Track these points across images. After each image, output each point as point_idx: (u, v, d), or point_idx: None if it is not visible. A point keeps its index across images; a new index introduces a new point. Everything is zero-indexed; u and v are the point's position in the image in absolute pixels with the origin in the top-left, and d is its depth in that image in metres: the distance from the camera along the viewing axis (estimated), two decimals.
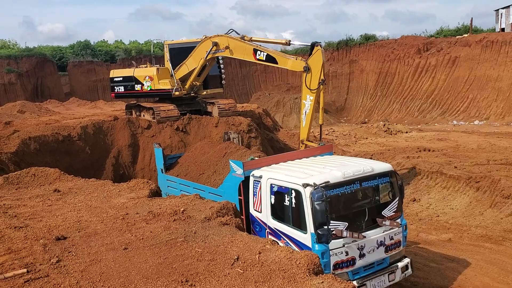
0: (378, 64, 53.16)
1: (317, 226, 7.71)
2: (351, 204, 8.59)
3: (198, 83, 20.39)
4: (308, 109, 15.91)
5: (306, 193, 7.87)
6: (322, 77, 15.55)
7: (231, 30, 18.18)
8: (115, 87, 21.70)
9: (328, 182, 7.91)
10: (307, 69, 15.48)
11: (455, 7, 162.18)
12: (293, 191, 8.22)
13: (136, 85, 20.71)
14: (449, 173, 17.26)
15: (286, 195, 8.42)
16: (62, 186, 10.19)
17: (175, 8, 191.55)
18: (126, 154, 18.56)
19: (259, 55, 16.85)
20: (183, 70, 19.81)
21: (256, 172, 9.41)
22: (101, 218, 7.59)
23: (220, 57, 21.13)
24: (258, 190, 9.19)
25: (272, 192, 8.81)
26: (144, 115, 20.36)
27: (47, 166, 12.48)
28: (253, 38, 17.50)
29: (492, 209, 14.68)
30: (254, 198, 9.34)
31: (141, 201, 8.62)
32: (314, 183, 7.82)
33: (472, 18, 60.68)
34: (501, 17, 47.64)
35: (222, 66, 21.36)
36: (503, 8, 47.40)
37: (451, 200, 16.17)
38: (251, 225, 9.59)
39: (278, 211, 8.77)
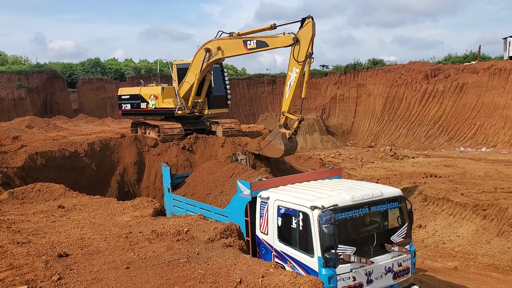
0: (385, 89, 53.27)
1: (324, 249, 7.53)
2: (359, 229, 8.39)
3: (200, 100, 20.50)
4: (292, 81, 16.35)
5: (314, 216, 7.70)
6: (310, 50, 15.81)
7: (221, 32, 18.38)
8: (122, 105, 22.17)
9: (337, 205, 7.78)
10: (296, 41, 15.72)
11: (463, 34, 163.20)
12: (300, 214, 8.05)
13: (142, 103, 21.10)
14: (455, 200, 17.09)
15: (293, 218, 8.25)
16: (67, 202, 10.17)
17: (185, 29, 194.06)
18: (132, 172, 18.55)
19: (250, 44, 17.11)
20: (184, 87, 20.02)
21: (264, 193, 9.26)
22: (104, 236, 7.54)
23: (226, 78, 21.33)
24: (265, 211, 9.02)
25: (279, 214, 8.65)
26: (149, 133, 20.47)
27: (53, 181, 12.50)
28: (240, 33, 17.73)
29: (499, 238, 14.48)
30: (261, 219, 9.16)
31: (144, 220, 8.57)
32: (322, 206, 7.67)
33: (480, 45, 60.89)
34: (509, 45, 47.77)
35: (228, 86, 21.50)
36: (511, 37, 47.59)
37: (458, 228, 15.97)
38: (257, 248, 9.40)
39: (285, 234, 8.57)
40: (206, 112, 21.04)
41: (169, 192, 14.33)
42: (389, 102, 52.32)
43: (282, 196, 8.84)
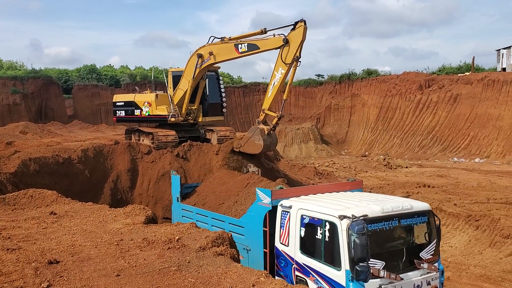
0: (379, 99, 53.56)
1: (355, 261, 7.07)
2: (388, 242, 7.94)
3: (195, 108, 20.51)
4: (276, 81, 16.53)
5: (342, 226, 7.30)
6: (298, 54, 15.99)
7: (213, 37, 18.51)
8: (117, 111, 22.28)
9: (367, 215, 7.36)
10: (286, 42, 15.97)
11: (457, 46, 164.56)
12: (327, 224, 7.61)
13: (136, 110, 21.18)
14: (448, 210, 17.16)
15: (318, 228, 7.80)
16: (59, 209, 10.14)
17: (181, 37, 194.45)
18: (125, 179, 18.51)
19: (241, 48, 17.32)
20: (178, 94, 20.07)
21: (285, 202, 8.81)
22: (95, 243, 7.52)
23: (222, 85, 21.36)
24: (286, 221, 8.55)
25: (302, 224, 8.20)
26: (143, 140, 20.46)
27: (46, 187, 12.45)
28: (231, 37, 17.90)
29: (491, 249, 14.54)
30: (281, 230, 8.70)
31: (136, 228, 8.55)
32: (353, 215, 7.28)
33: (474, 57, 61.45)
34: (502, 57, 48.26)
35: (224, 94, 21.55)
36: (504, 49, 48.08)
37: (450, 238, 16.02)
38: (275, 260, 8.93)
39: (308, 245, 8.12)
40: (200, 119, 21.05)
41: (178, 201, 13.90)
42: (383, 112, 52.59)
43: (306, 205, 8.40)
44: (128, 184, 18.49)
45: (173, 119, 19.88)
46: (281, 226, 8.74)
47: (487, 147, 41.52)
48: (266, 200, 9.19)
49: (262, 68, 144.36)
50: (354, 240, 7.06)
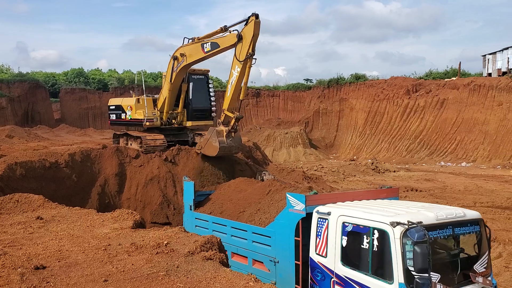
0: (367, 103, 53.93)
1: (416, 272, 6.37)
2: (442, 253, 7.26)
3: (178, 112, 20.31)
4: (234, 80, 15.92)
5: (395, 234, 6.59)
6: (250, 50, 15.33)
7: (186, 39, 18.23)
8: (110, 115, 22.43)
9: (421, 222, 6.63)
10: (239, 38, 15.42)
11: (444, 51, 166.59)
12: (375, 231, 6.89)
13: (122, 114, 21.35)
14: None
15: (364, 236, 7.07)
16: (46, 213, 10.02)
17: (169, 40, 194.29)
18: (113, 183, 18.35)
19: (206, 47, 17.04)
20: (161, 99, 20.02)
21: (322, 209, 8.04)
22: (83, 248, 7.44)
23: (211, 90, 21.24)
24: (324, 229, 7.82)
25: (344, 233, 7.47)
26: (131, 144, 20.36)
27: (32, 192, 12.29)
28: (199, 37, 17.65)
29: None
30: (318, 239, 7.95)
31: (124, 232, 8.49)
32: (409, 222, 6.57)
33: (460, 62, 62.14)
34: (488, 63, 48.89)
35: (213, 98, 21.44)
36: (490, 54, 48.71)
37: None
38: (309, 273, 8.20)
39: (351, 256, 7.39)
40: (188, 124, 20.95)
41: (191, 210, 12.86)
42: (371, 116, 52.95)
43: (348, 211, 7.68)
44: (116, 188, 18.33)
45: (147, 124, 19.78)
46: (317, 235, 7.99)
47: (474, 151, 42.01)
48: (299, 206, 8.36)
49: (251, 72, 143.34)
50: (414, 249, 6.35)
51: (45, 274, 6.26)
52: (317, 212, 8.09)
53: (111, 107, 22.44)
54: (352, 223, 7.35)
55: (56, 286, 5.89)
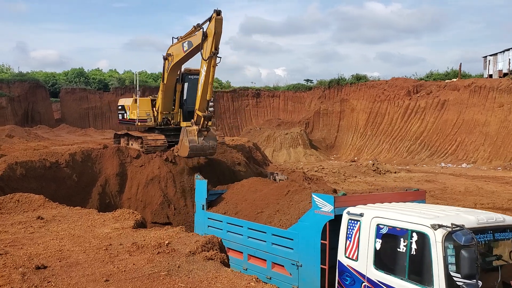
0: (368, 104, 53.95)
1: (463, 277, 6.09)
2: (483, 260, 6.72)
3: (174, 112, 20.14)
4: (202, 79, 15.75)
5: (436, 237, 6.29)
6: (213, 49, 15.00)
7: (175, 39, 18.10)
8: (118, 114, 22.76)
9: (463, 226, 6.28)
10: (205, 36, 15.17)
11: (445, 52, 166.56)
12: (414, 234, 6.59)
13: (124, 114, 21.60)
14: None
15: (401, 239, 6.77)
16: (46, 213, 10.01)
17: (169, 41, 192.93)
18: (114, 183, 18.35)
19: (184, 46, 16.98)
20: (158, 100, 19.99)
21: (354, 210, 7.73)
22: (84, 248, 7.43)
23: None
24: (355, 231, 7.53)
25: (378, 235, 7.16)
26: (132, 144, 20.39)
27: (33, 192, 12.28)
28: (182, 36, 17.51)
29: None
30: (348, 241, 7.64)
31: (125, 232, 8.47)
32: (453, 224, 6.25)
33: (461, 63, 62.35)
34: (489, 64, 48.92)
35: (211, 99, 21.28)
36: (491, 55, 48.74)
37: None
38: (336, 276, 7.88)
39: (385, 260, 7.07)
40: (182, 124, 20.85)
41: (203, 209, 12.39)
42: (372, 117, 52.97)
43: (383, 212, 7.36)
44: (116, 188, 18.34)
45: (139, 124, 19.88)
46: (347, 237, 7.65)
47: (474, 152, 42.00)
48: (326, 208, 7.99)
49: (251, 73, 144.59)
50: (461, 253, 6.04)
51: (46, 274, 6.25)
52: (348, 213, 7.77)
53: (118, 107, 22.76)
54: (387, 225, 7.07)
55: (57, 286, 5.88)
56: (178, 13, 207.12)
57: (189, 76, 19.91)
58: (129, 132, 21.02)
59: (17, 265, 6.45)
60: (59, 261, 6.79)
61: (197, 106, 16.59)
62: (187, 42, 16.88)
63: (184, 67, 19.40)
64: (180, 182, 18.26)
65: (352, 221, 7.64)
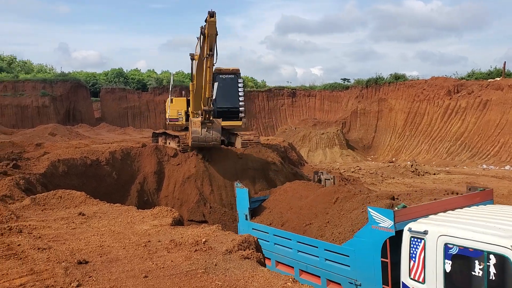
0: (407, 104, 52.84)
1: None
2: None
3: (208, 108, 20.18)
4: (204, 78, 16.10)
5: None
6: (207, 50, 15.06)
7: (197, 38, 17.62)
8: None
9: None
10: (204, 36, 15.31)
11: (488, 50, 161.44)
12: (491, 256, 5.76)
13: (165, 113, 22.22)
14: None
15: (476, 262, 5.96)
16: (87, 209, 10.26)
17: None
18: (151, 181, 18.68)
19: (199, 45, 16.88)
20: (191, 99, 19.90)
21: (416, 226, 6.90)
22: (124, 244, 7.57)
23: (241, 90, 21.02)
24: (419, 251, 6.73)
25: (447, 256, 6.34)
26: (169, 143, 20.71)
27: (74, 189, 12.64)
28: None
29: None
30: (412, 262, 6.86)
31: (163, 229, 8.58)
32: None
33: (505, 62, 59.87)
34: None
35: (242, 98, 21.04)
36: None
37: None
38: None
39: (458, 284, 6.29)
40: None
41: (247, 219, 11.76)
42: (410, 117, 51.85)
43: (450, 229, 6.48)
44: (154, 186, 18.66)
45: (170, 123, 20.69)
46: (411, 257, 6.88)
47: None
48: (385, 223, 7.28)
49: (287, 72, 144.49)
50: None
51: (88, 269, 6.40)
52: (410, 230, 6.94)
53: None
54: (457, 245, 6.22)
55: (98, 281, 6.01)
56: (216, 13, 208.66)
57: (220, 76, 19.98)
58: (166, 131, 21.37)
59: (60, 260, 6.63)
60: (100, 257, 6.94)
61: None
62: (200, 41, 17.03)
63: (214, 67, 19.43)
64: (215, 181, 18.42)
65: (415, 240, 6.86)
